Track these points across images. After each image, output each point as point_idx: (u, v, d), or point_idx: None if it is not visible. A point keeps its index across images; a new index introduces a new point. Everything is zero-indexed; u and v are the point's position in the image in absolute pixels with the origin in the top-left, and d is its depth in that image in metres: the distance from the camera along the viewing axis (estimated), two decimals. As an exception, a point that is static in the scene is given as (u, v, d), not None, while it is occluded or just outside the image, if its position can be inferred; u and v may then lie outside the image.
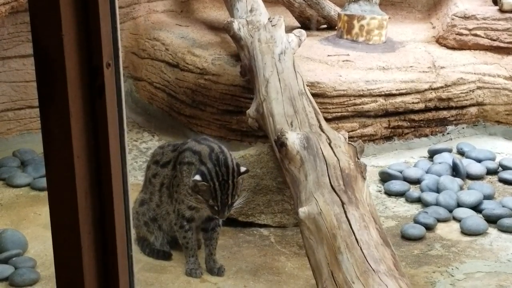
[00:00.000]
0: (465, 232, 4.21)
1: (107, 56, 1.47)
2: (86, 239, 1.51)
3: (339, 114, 5.15)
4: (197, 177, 3.52)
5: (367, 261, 2.84)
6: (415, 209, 4.52)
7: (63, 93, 1.42)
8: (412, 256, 3.95)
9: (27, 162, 5.04)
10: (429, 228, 4.23)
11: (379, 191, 4.75)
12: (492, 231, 4.24)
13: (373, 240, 2.96)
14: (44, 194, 4.71)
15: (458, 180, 4.74)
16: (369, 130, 5.23)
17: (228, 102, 5.29)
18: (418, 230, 4.18)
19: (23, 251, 3.98)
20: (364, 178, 3.46)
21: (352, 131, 5.11)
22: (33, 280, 3.72)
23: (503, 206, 4.44)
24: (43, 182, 4.81)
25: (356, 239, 2.96)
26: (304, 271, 3.79)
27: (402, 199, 4.65)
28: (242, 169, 3.65)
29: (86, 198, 1.49)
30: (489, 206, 4.42)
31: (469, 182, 4.82)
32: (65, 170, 1.45)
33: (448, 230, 4.27)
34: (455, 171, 4.86)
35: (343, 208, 3.15)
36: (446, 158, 5.02)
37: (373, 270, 2.79)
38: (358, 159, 3.60)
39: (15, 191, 4.74)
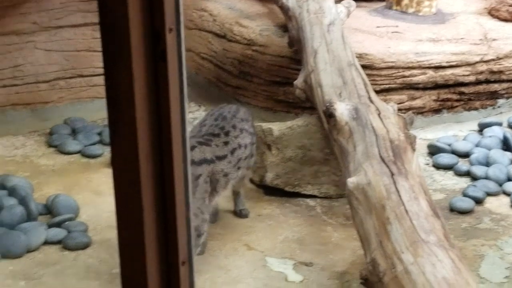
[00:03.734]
0: (515, 206, 4.18)
1: (169, 22, 1.49)
2: (147, 198, 1.55)
3: (387, 86, 5.11)
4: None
5: (417, 232, 2.84)
6: (463, 182, 4.49)
7: (128, 57, 1.46)
8: (460, 229, 3.94)
9: (78, 130, 5.14)
10: (478, 201, 4.21)
11: (427, 164, 4.73)
12: (542, 207, 4.21)
13: (423, 211, 2.97)
14: (95, 161, 4.82)
15: (509, 154, 4.69)
16: (417, 103, 5.19)
17: (275, 73, 5.30)
18: (466, 203, 4.16)
19: (75, 215, 4.08)
20: (413, 150, 3.45)
21: (400, 103, 5.07)
22: (85, 244, 3.81)
23: (554, 181, 4.39)
24: (93, 149, 4.91)
25: (406, 210, 2.96)
26: (350, 241, 3.81)
27: (451, 173, 4.63)
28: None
29: (148, 158, 1.52)
30: (540, 177, 4.38)
31: (520, 156, 4.77)
32: (128, 132, 1.49)
33: (498, 204, 4.24)
34: (506, 145, 4.81)
35: (393, 179, 3.16)
36: (496, 132, 4.96)
37: (423, 241, 2.79)
38: (408, 130, 3.59)
39: (66, 158, 4.84)
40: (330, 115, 3.66)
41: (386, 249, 2.85)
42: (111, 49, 1.48)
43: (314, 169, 4.32)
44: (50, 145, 5.02)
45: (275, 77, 5.29)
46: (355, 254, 3.69)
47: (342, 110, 3.65)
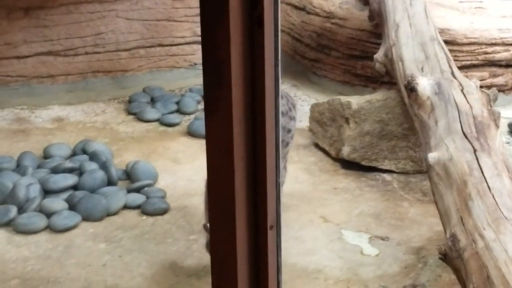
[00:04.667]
0: None
1: (266, -14, 1.50)
2: (239, 162, 1.57)
3: (469, 62, 5.01)
4: None
5: (499, 209, 2.80)
6: (545, 162, 4.39)
7: (225, 21, 1.47)
8: (541, 209, 3.85)
9: (156, 98, 5.23)
10: (559, 182, 4.11)
11: (508, 143, 4.63)
12: None
13: (506, 188, 2.91)
14: (172, 129, 4.90)
15: None
16: (499, 80, 5.08)
17: (354, 47, 5.25)
18: (548, 183, 4.07)
19: (153, 182, 4.17)
20: (497, 126, 3.38)
21: (481, 80, 4.96)
22: (164, 210, 3.89)
23: None
24: (171, 118, 4.99)
25: (488, 187, 2.92)
26: (427, 217, 3.78)
27: (533, 150, 4.54)
28: None
29: (241, 122, 1.54)
30: None
31: None
32: (223, 95, 1.51)
33: None
34: None
35: (475, 155, 3.11)
36: None
37: (506, 218, 2.75)
38: (491, 107, 3.52)
39: (145, 126, 4.94)
40: (411, 89, 3.62)
41: (467, 225, 2.82)
42: (209, 12, 1.50)
43: (392, 144, 4.29)
44: (129, 112, 5.13)
45: (354, 50, 5.25)
46: (432, 230, 3.66)
47: (424, 84, 3.60)
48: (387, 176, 4.28)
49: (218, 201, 1.68)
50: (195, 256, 3.50)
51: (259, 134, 1.60)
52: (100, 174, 4.11)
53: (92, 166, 4.19)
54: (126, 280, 3.33)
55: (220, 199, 1.66)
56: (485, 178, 2.96)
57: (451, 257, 2.82)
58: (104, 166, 4.17)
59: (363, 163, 4.31)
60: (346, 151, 4.30)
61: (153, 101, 5.22)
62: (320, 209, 3.93)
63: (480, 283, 2.60)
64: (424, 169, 3.98)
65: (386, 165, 4.30)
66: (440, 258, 2.92)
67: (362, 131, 4.28)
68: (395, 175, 4.29)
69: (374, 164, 4.31)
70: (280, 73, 1.63)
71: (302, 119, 4.82)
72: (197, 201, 3.96)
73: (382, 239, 3.63)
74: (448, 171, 3.11)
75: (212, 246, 1.69)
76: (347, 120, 4.31)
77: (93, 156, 4.32)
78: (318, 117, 4.58)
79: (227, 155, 1.58)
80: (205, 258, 3.44)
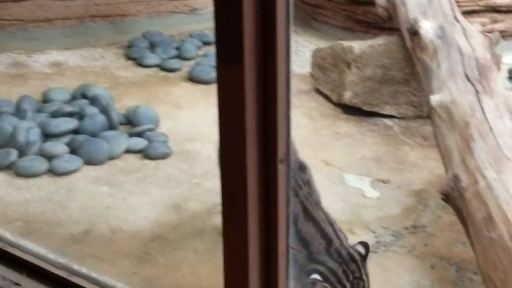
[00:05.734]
0: None
1: None
2: (250, 92, 1.57)
3: (470, 8, 4.98)
4: (315, 276, 2.32)
5: (501, 149, 2.82)
6: (545, 107, 4.41)
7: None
8: (540, 153, 3.89)
9: (156, 43, 5.20)
10: (559, 126, 4.14)
11: (508, 88, 4.64)
12: None
13: (508, 130, 2.93)
14: (173, 75, 4.89)
15: None
16: (499, 26, 5.05)
17: (355, -8, 5.22)
18: (547, 128, 4.10)
19: (155, 126, 4.17)
20: (499, 69, 3.39)
21: (482, 26, 4.95)
22: (166, 154, 3.90)
23: None
24: (171, 63, 4.98)
25: (490, 128, 2.94)
26: (427, 161, 3.81)
27: (532, 97, 4.54)
28: (361, 248, 2.45)
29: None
30: None
31: None
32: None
33: None
34: None
35: (477, 97, 3.12)
36: None
37: (507, 158, 2.77)
38: (493, 50, 3.52)
39: (145, 71, 4.92)
40: (414, 32, 3.61)
41: (468, 165, 2.84)
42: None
43: (393, 89, 4.29)
44: (128, 57, 5.10)
45: (355, -4, 5.22)
46: (432, 174, 3.69)
47: (427, 28, 3.60)
48: (388, 121, 4.30)
49: (228, 135, 1.68)
50: (198, 199, 3.53)
51: (270, 65, 1.60)
52: (101, 118, 4.10)
53: (92, 110, 4.18)
54: (129, 222, 3.36)
55: (230, 132, 1.66)
56: (487, 119, 2.98)
57: (452, 197, 2.85)
58: (104, 110, 4.16)
59: (365, 108, 4.32)
60: (347, 96, 4.31)
61: (152, 46, 5.19)
62: (321, 153, 3.95)
63: (481, 221, 2.64)
64: (424, 114, 4.01)
65: (387, 110, 4.32)
66: (442, 199, 2.95)
67: (364, 76, 4.27)
68: (396, 120, 4.30)
69: (375, 109, 4.32)
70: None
71: (304, 65, 4.81)
72: (199, 146, 3.98)
73: (384, 182, 3.66)
74: (450, 113, 3.12)
75: (223, 180, 1.70)
76: (349, 65, 4.30)
77: (93, 101, 4.31)
78: (320, 63, 4.57)
79: (238, 86, 1.57)
80: (208, 201, 3.47)
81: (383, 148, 4.00)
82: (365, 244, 2.43)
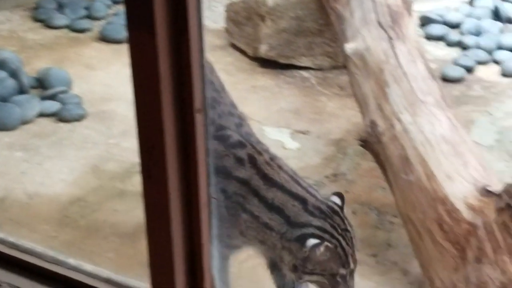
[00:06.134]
0: (505, 74, 4.23)
1: None
2: (162, 43, 1.53)
3: (379, -43, 5.02)
4: (312, 241, 2.16)
5: (415, 93, 2.87)
6: (455, 52, 4.52)
7: None
8: (452, 97, 3.97)
9: (64, 4, 5.03)
10: (469, 70, 4.25)
11: (419, 35, 4.72)
12: (533, 73, 4.26)
13: (420, 74, 2.98)
14: (84, 35, 4.76)
15: (499, 24, 4.71)
16: (409, -26, 5.12)
17: None
18: (458, 71, 4.20)
19: (68, 88, 4.06)
20: (410, 15, 3.43)
21: (392, -26, 5.00)
22: (81, 116, 3.81)
23: (543, 49, 4.44)
24: (81, 23, 4.84)
25: (404, 73, 2.98)
26: (345, 110, 3.86)
27: (442, 43, 4.64)
28: (337, 199, 2.34)
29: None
30: (530, 48, 4.42)
31: (510, 26, 4.78)
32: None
33: (488, 72, 4.29)
34: (496, 15, 4.81)
35: (391, 43, 3.15)
36: (486, 2, 4.95)
37: (421, 101, 2.82)
38: (404, -4, 3.55)
39: (54, 32, 4.77)
40: (326, -19, 3.60)
41: (384, 110, 2.88)
42: None
43: (308, 40, 4.30)
44: (36, 19, 4.93)
45: None
46: (350, 123, 3.73)
47: (338, -24, 3.59)
48: (304, 73, 4.31)
49: (142, 89, 1.64)
50: (117, 160, 3.47)
51: (182, 18, 1.56)
52: (11, 82, 3.97)
53: (1, 74, 4.03)
54: (47, 186, 3.29)
55: (144, 86, 1.62)
56: (400, 64, 3.02)
57: (370, 142, 2.89)
58: (14, 74, 4.02)
59: (281, 60, 4.32)
60: (263, 50, 4.29)
61: (61, 6, 5.02)
62: (240, 107, 3.92)
63: (399, 164, 2.69)
64: (340, 64, 4.04)
65: (303, 62, 4.33)
66: (360, 145, 2.99)
67: (279, 29, 4.26)
68: (312, 71, 4.32)
69: (291, 61, 4.32)
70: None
71: (218, 20, 4.76)
72: (115, 106, 3.90)
73: (303, 133, 3.69)
74: (365, 60, 3.15)
75: (140, 135, 1.66)
76: (263, 18, 4.28)
77: (1, 65, 4.14)
78: (233, 17, 4.52)
79: (149, 38, 1.53)
80: (127, 161, 3.42)
81: (300, 99, 4.02)
82: (340, 194, 2.33)
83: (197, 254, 1.70)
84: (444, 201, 2.46)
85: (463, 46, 4.53)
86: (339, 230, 2.19)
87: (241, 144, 2.35)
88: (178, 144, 1.64)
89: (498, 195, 2.32)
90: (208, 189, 1.69)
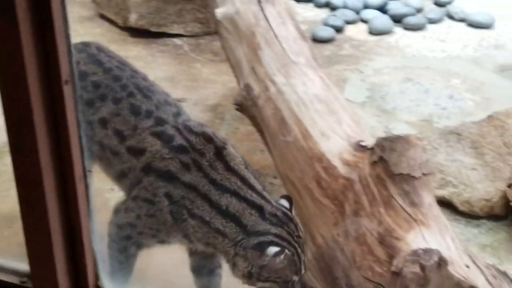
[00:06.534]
0: (372, 32, 4.35)
1: None
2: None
3: None
4: (273, 249, 2.08)
5: (287, 54, 2.90)
6: (324, 13, 4.60)
7: None
8: (324, 57, 4.06)
9: None
10: (338, 30, 4.34)
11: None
12: (398, 30, 4.41)
13: (291, 35, 3.02)
14: None
15: (365, -16, 4.84)
16: None
17: None
18: (328, 32, 4.29)
19: None
20: (279, -22, 3.45)
21: None
22: None
23: (407, 6, 4.58)
24: None
25: (275, 35, 3.00)
26: (220, 76, 3.86)
27: (311, 5, 4.72)
28: (285, 203, 2.25)
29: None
30: (394, 6, 4.56)
31: (375, -15, 4.92)
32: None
33: (356, 31, 4.40)
34: (361, -25, 4.93)
35: (260, 6, 3.16)
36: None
37: (293, 62, 2.86)
38: (271, -41, 3.57)
39: None
40: None
41: (258, 74, 2.90)
42: None
43: (179, 7, 4.25)
44: None
45: None
46: (225, 87, 3.74)
47: None
48: (177, 40, 4.27)
49: (6, 60, 1.58)
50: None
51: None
52: None
53: None
54: None
55: (8, 56, 1.56)
56: (271, 27, 3.04)
57: (246, 106, 2.91)
58: None
59: (152, 29, 4.26)
60: (133, 19, 4.22)
61: None
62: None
63: (275, 126, 2.72)
64: (212, 30, 4.03)
65: (175, 29, 4.28)
66: (236, 109, 3.00)
67: (147, -4, 4.20)
68: (185, 38, 4.29)
69: (163, 29, 4.27)
70: None
71: (84, -9, 4.63)
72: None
73: (179, 101, 3.65)
74: (235, 24, 3.15)
75: (5, 111, 1.60)
76: (130, -14, 4.20)
77: None
78: (100, -14, 4.42)
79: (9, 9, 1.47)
80: (-2, 141, 3.29)
81: (175, 67, 3.98)
82: (288, 198, 2.26)
83: (76, 229, 1.66)
84: (320, 158, 2.50)
85: (332, 7, 4.63)
86: (295, 237, 2.15)
87: (184, 149, 2.22)
88: (48, 117, 1.59)
89: (371, 149, 2.39)
90: (83, 162, 1.65)
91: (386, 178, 2.29)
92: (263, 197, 2.18)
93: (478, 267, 2.17)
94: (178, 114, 2.36)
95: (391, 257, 2.12)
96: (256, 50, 2.98)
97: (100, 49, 2.55)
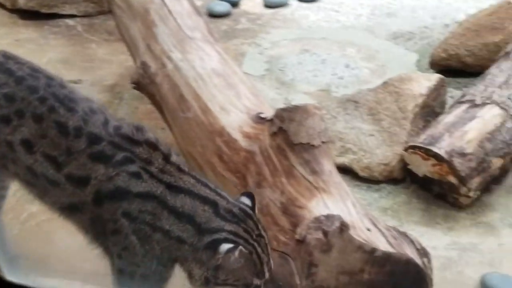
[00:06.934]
0: (268, 5, 4.39)
1: None
2: None
3: None
4: (226, 246, 1.93)
5: (182, 30, 2.88)
6: (219, -12, 4.59)
7: None
8: (221, 32, 4.05)
9: None
10: (234, 4, 4.35)
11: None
12: (293, 2, 4.45)
13: (186, 10, 3.00)
14: None
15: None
16: None
17: None
18: (223, 7, 4.29)
19: None
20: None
21: None
22: None
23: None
24: None
25: (169, 11, 2.98)
26: (116, 55, 3.79)
27: (205, -20, 4.69)
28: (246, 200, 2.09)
29: None
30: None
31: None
32: None
33: (252, 5, 4.41)
34: None
35: (153, -18, 3.12)
36: None
37: (189, 38, 2.85)
38: None
39: None
40: None
41: (154, 51, 2.87)
42: None
43: (69, -13, 4.15)
44: None
45: None
46: (122, 67, 3.68)
47: None
48: (70, 21, 4.17)
49: None
50: None
51: None
52: None
53: None
54: None
55: None
56: (165, 3, 3.02)
57: (144, 84, 2.88)
58: None
59: (43, 10, 4.13)
60: (22, 1, 4.08)
61: None
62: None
63: (174, 103, 2.71)
64: (106, 9, 3.95)
65: (67, 9, 4.18)
66: (133, 88, 2.96)
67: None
68: (78, 19, 4.19)
69: (54, 10, 4.16)
70: None
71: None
72: None
73: (75, 82, 3.58)
74: (129, 2, 3.11)
75: None
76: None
77: None
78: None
79: None
80: None
81: (69, 49, 3.89)
82: (249, 194, 2.10)
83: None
84: (221, 132, 2.51)
85: (226, -19, 4.62)
86: (254, 236, 1.97)
87: (129, 160, 2.03)
88: None
89: (270, 121, 2.41)
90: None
91: (286, 148, 2.32)
92: (218, 194, 2.04)
93: (379, 229, 2.23)
94: (106, 121, 2.12)
95: (294, 225, 2.15)
96: (151, 27, 2.95)
97: (7, 56, 2.29)
